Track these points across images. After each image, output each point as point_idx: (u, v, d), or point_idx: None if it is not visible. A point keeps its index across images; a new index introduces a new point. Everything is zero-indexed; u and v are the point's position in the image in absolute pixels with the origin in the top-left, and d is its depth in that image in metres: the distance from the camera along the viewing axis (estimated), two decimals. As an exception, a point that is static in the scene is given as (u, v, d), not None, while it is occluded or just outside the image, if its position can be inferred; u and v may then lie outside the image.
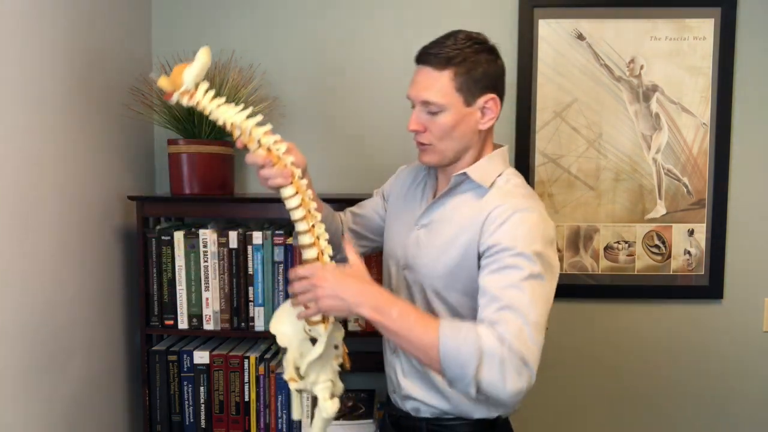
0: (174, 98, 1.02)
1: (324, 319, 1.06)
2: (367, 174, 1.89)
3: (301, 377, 1.09)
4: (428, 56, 1.10)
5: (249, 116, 1.03)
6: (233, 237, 1.63)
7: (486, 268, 1.05)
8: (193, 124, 1.69)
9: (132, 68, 1.76)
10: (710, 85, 1.83)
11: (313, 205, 1.08)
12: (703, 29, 1.82)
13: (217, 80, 1.70)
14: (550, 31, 1.83)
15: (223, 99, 1.04)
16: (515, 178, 1.16)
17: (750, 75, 1.84)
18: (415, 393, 1.20)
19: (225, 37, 1.86)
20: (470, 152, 1.17)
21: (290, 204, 1.05)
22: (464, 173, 1.14)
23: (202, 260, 1.63)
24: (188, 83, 1.00)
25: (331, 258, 1.09)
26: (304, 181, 1.08)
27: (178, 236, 1.63)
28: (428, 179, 1.28)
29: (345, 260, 1.20)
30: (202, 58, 1.01)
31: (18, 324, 1.27)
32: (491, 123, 1.15)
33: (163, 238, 1.63)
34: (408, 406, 1.23)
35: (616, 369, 1.94)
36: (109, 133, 1.64)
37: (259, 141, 1.03)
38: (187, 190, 1.68)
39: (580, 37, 1.84)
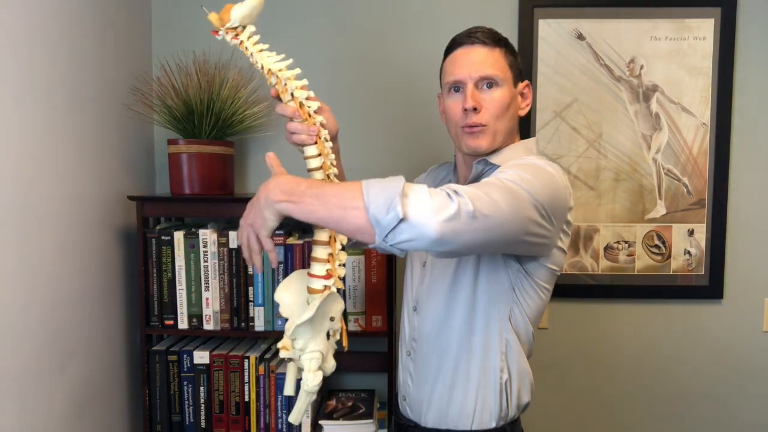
0: (220, 35, 1.03)
1: (325, 288, 1.04)
2: (368, 174, 1.88)
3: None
4: (475, 37, 1.12)
5: (288, 67, 1.03)
6: (233, 237, 1.63)
7: None
8: (193, 124, 1.69)
9: (132, 68, 1.76)
10: (710, 85, 1.84)
11: (334, 171, 1.06)
12: (703, 29, 1.82)
13: (217, 80, 1.70)
14: (550, 31, 1.83)
15: (267, 45, 1.04)
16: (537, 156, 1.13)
17: (750, 75, 1.84)
18: (430, 397, 1.17)
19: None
20: (507, 141, 1.16)
21: (310, 164, 1.04)
22: (484, 160, 1.13)
23: (202, 260, 1.63)
24: (234, 20, 1.01)
25: None
26: (330, 145, 1.06)
27: (178, 236, 1.63)
28: (452, 178, 1.27)
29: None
30: (251, 0, 1.01)
31: (18, 324, 1.27)
32: (528, 109, 1.18)
33: (163, 238, 1.63)
34: (418, 413, 1.20)
35: (616, 369, 1.94)
36: (109, 133, 1.64)
37: (292, 93, 1.03)
38: (187, 190, 1.68)
39: (580, 37, 1.84)
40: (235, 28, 1.03)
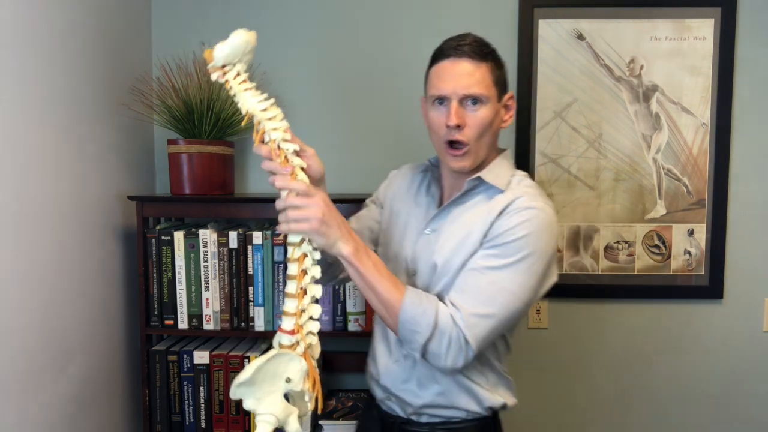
0: (210, 71, 1.02)
1: (294, 345, 1.00)
2: (368, 175, 1.89)
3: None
4: (462, 49, 1.09)
5: (269, 108, 1.00)
6: (233, 237, 1.63)
7: (480, 249, 1.09)
8: (193, 124, 1.69)
9: (132, 68, 1.76)
10: (710, 85, 1.83)
11: None
12: (703, 29, 1.82)
13: (218, 80, 1.70)
14: (550, 31, 1.83)
15: (253, 84, 1.02)
16: (527, 179, 1.18)
17: (750, 75, 1.84)
18: (421, 397, 1.17)
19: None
20: (491, 154, 1.17)
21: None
22: (478, 177, 1.13)
23: (202, 260, 1.63)
24: (216, 60, 0.99)
25: (317, 282, 1.03)
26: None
27: (178, 236, 1.63)
28: (432, 183, 1.25)
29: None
30: (234, 39, 0.98)
31: (18, 324, 1.27)
32: (510, 121, 1.18)
33: (163, 238, 1.63)
34: (408, 409, 1.20)
35: (616, 369, 1.94)
36: (109, 133, 1.64)
37: (269, 135, 1.01)
38: (187, 190, 1.68)
39: (580, 37, 1.83)
40: (222, 66, 1.00)
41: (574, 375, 1.95)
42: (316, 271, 1.02)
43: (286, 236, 1.03)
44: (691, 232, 1.88)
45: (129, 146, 1.76)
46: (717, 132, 1.84)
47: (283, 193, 1.00)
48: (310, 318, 1.02)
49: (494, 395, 1.19)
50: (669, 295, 1.90)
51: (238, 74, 1.01)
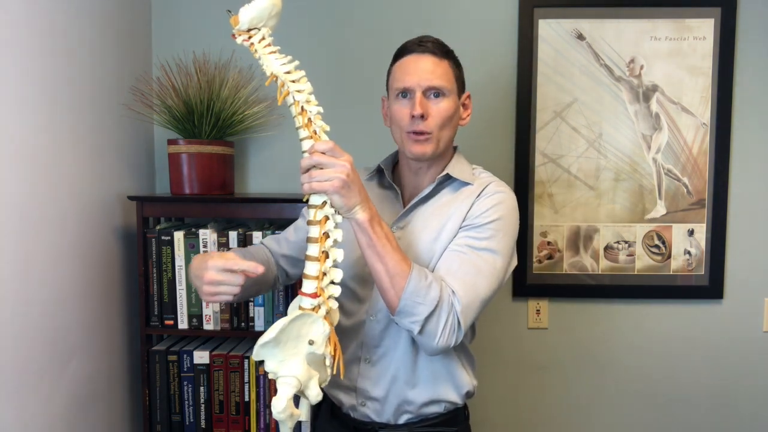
0: (236, 37, 1.02)
1: (315, 308, 0.99)
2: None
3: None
4: (427, 46, 1.15)
5: (293, 71, 1.01)
6: (233, 237, 1.63)
7: (461, 231, 1.14)
8: (193, 124, 1.69)
9: (132, 68, 1.76)
10: (710, 85, 1.83)
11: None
12: (703, 29, 1.82)
13: (217, 80, 1.70)
14: (550, 31, 1.83)
15: (278, 48, 1.02)
16: (484, 170, 1.26)
17: (750, 75, 1.84)
18: (401, 395, 1.17)
19: (225, 37, 1.85)
20: (449, 150, 1.23)
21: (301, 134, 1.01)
22: (447, 174, 1.19)
23: (202, 260, 1.63)
24: (243, 23, 1.00)
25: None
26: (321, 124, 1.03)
27: (178, 236, 1.63)
28: (385, 186, 1.26)
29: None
30: (260, 2, 0.99)
31: (18, 324, 1.27)
32: (468, 120, 1.24)
33: (163, 238, 1.63)
34: (383, 413, 1.18)
35: (615, 369, 1.94)
36: (109, 133, 1.65)
37: (293, 96, 1.01)
38: (187, 190, 1.68)
39: (580, 37, 1.83)
40: (248, 30, 1.01)
41: (574, 375, 1.94)
42: (338, 234, 1.01)
43: (308, 198, 1.01)
44: (691, 232, 1.88)
45: (129, 146, 1.76)
46: (717, 132, 1.84)
47: (306, 154, 1.00)
48: (332, 282, 1.01)
49: (470, 376, 1.22)
50: (669, 295, 1.90)
51: (263, 38, 1.02)
